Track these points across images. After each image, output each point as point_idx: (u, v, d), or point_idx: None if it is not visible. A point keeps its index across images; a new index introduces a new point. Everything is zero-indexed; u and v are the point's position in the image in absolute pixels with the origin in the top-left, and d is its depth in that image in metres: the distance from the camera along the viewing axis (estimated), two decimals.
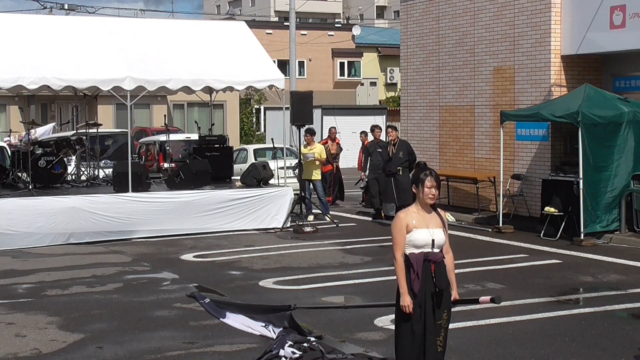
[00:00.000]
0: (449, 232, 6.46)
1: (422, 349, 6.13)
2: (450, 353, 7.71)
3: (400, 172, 16.37)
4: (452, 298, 6.34)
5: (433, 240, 6.12)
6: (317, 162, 17.44)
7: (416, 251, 6.12)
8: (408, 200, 16.55)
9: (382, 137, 17.69)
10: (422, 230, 6.11)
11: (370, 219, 17.74)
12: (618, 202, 14.29)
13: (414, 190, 6.23)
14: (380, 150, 17.69)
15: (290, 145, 21.68)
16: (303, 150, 17.41)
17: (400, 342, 6.22)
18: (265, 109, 39.67)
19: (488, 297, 6.28)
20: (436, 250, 6.16)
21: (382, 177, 17.05)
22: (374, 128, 18.02)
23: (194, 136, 20.79)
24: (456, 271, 6.43)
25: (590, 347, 8.04)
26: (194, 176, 16.18)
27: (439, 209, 6.28)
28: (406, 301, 6.06)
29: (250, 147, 23.75)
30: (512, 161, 16.80)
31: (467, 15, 18.13)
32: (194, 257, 13.32)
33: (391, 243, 6.18)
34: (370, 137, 18.49)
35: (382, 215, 17.20)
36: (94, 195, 15.07)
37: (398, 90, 38.84)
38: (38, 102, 36.23)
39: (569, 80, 16.11)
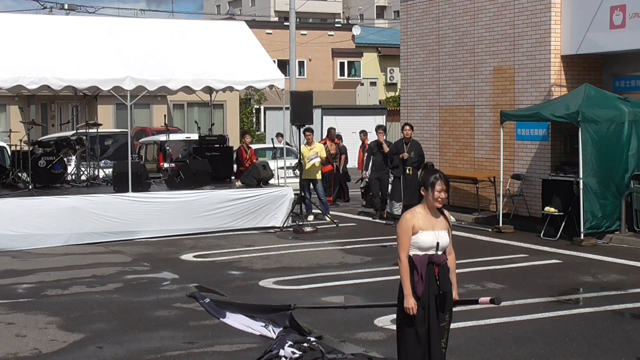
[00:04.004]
0: None
1: (427, 351, 6.13)
2: (450, 353, 7.70)
3: (410, 172, 16.37)
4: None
5: (438, 243, 6.10)
6: (318, 163, 17.40)
7: (420, 253, 6.10)
8: (415, 200, 16.58)
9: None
10: (428, 232, 6.07)
11: (370, 218, 17.75)
12: (618, 202, 14.29)
13: (422, 192, 6.17)
14: (383, 150, 17.72)
15: (290, 145, 21.69)
16: (303, 149, 17.39)
17: (404, 345, 6.19)
18: (265, 109, 39.68)
19: (487, 298, 6.27)
20: (440, 252, 6.14)
21: (384, 177, 17.19)
22: (377, 128, 18.05)
23: (194, 136, 20.79)
24: (456, 271, 6.43)
25: (590, 347, 8.04)
26: (194, 176, 16.18)
27: (445, 211, 6.25)
28: (410, 303, 6.04)
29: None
30: (512, 161, 16.80)
31: (467, 15, 18.13)
32: (194, 257, 13.32)
33: (392, 243, 6.19)
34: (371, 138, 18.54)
35: (385, 215, 17.18)
36: (94, 195, 15.07)
37: (398, 90, 38.83)
38: (38, 102, 36.22)
39: (569, 80, 16.11)
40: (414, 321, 6.08)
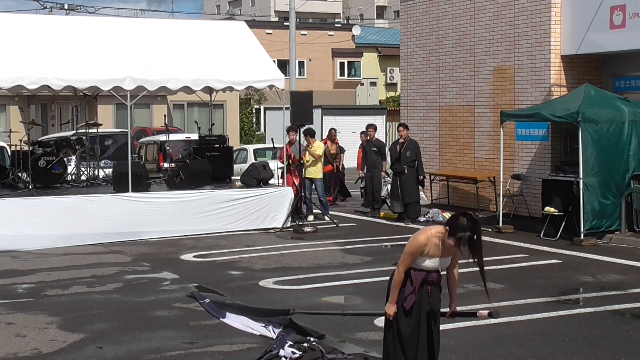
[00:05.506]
0: None
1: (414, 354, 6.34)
2: (450, 353, 7.72)
3: (406, 171, 16.39)
4: (450, 311, 6.53)
5: (439, 269, 6.31)
6: (309, 158, 17.24)
7: (418, 269, 6.28)
8: (413, 198, 16.63)
9: (378, 136, 17.76)
10: (434, 259, 6.21)
11: (370, 218, 17.75)
12: (618, 202, 14.29)
13: (447, 230, 6.05)
14: (375, 149, 17.76)
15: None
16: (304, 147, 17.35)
17: (386, 349, 6.46)
18: (265, 109, 39.68)
19: (486, 312, 6.37)
20: (435, 272, 6.32)
21: (377, 174, 17.46)
22: (368, 127, 18.08)
23: (194, 136, 20.79)
24: (458, 271, 6.49)
25: (590, 347, 8.04)
26: (194, 176, 16.18)
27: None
28: (391, 310, 6.31)
29: (250, 147, 23.74)
30: (512, 161, 16.80)
31: (467, 15, 18.13)
32: (194, 257, 13.32)
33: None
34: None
35: (382, 214, 17.19)
36: (94, 195, 15.06)
37: (398, 90, 38.84)
38: (38, 102, 36.23)
39: (569, 80, 16.11)
40: (399, 328, 6.31)
